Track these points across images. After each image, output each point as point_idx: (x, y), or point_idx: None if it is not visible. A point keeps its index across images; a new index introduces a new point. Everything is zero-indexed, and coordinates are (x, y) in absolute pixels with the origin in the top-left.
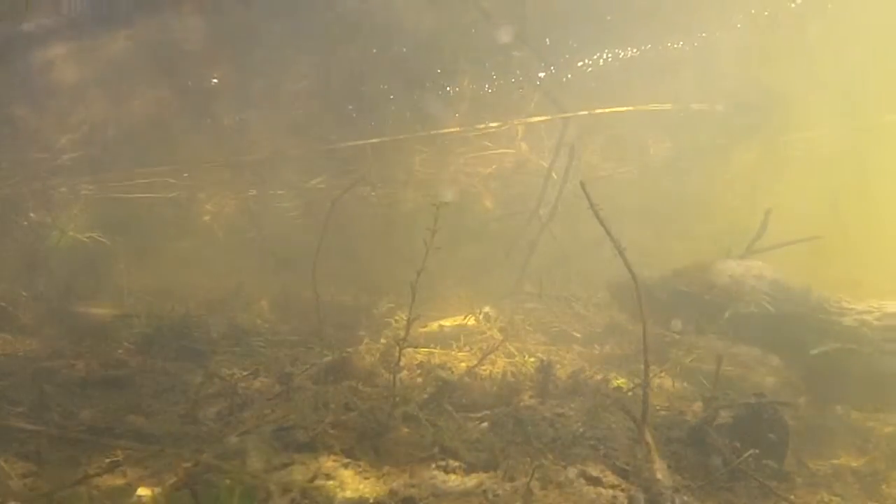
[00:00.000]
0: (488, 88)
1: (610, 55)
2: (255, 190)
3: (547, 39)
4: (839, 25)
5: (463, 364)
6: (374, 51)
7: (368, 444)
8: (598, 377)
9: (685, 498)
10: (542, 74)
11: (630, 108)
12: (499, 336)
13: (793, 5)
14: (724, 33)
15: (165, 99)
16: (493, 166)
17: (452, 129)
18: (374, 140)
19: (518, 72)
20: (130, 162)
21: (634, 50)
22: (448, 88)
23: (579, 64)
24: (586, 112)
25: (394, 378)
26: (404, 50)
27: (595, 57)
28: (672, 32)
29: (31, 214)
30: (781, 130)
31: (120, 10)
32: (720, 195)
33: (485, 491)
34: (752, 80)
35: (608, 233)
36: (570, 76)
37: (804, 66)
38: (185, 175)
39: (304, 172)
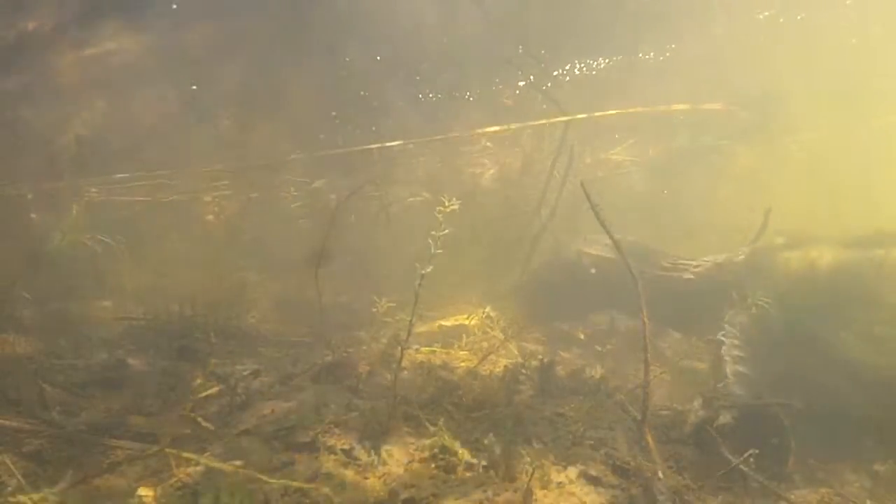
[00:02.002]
0: (487, 93)
1: (583, 65)
2: (258, 192)
3: (520, 47)
4: (810, 35)
5: (464, 364)
6: (377, 56)
7: (369, 443)
8: (598, 377)
9: (686, 498)
10: (522, 84)
11: (628, 110)
12: (500, 336)
13: (761, 17)
14: (694, 44)
15: (168, 102)
16: (492, 168)
17: (453, 134)
18: (376, 145)
19: (499, 79)
20: (133, 164)
21: (607, 60)
22: (447, 94)
23: (555, 73)
24: (566, 118)
25: (394, 378)
26: (410, 56)
27: (568, 67)
28: (643, 44)
29: (32, 215)
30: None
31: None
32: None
33: (485, 491)
34: (720, 87)
35: (608, 232)
36: (549, 84)
37: (774, 74)
38: (187, 177)
39: (308, 174)
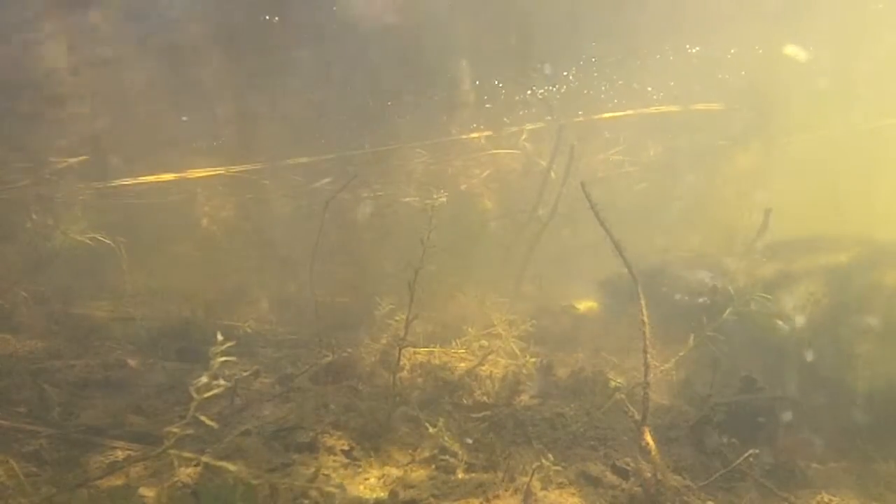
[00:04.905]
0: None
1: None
2: (257, 194)
3: (496, 81)
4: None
5: (464, 364)
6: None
7: (368, 444)
8: (598, 377)
9: (685, 498)
10: (489, 106)
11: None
12: (500, 336)
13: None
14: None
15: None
16: (491, 169)
17: (453, 137)
18: (378, 148)
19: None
20: (133, 165)
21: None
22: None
23: (528, 93)
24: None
25: (394, 378)
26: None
27: (544, 90)
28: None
29: (34, 216)
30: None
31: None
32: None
33: (485, 492)
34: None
35: (608, 233)
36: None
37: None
38: (186, 179)
39: (310, 175)
